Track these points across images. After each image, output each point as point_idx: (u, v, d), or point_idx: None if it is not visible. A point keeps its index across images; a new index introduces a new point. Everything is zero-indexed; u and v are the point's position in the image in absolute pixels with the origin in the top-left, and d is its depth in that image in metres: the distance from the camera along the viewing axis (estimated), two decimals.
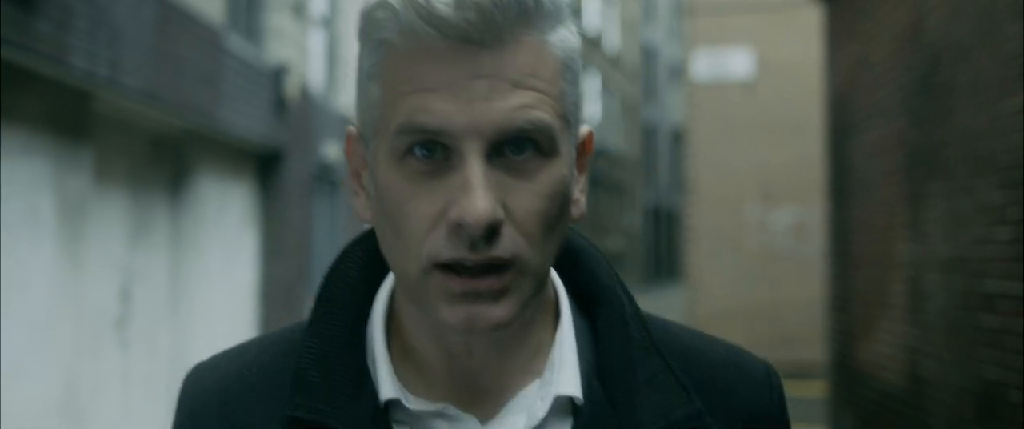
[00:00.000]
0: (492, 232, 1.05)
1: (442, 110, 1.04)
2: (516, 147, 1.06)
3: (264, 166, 9.81)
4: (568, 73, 1.11)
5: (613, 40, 35.36)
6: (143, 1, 6.59)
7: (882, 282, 8.97)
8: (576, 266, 1.24)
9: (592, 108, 32.46)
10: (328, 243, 11.67)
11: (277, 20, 9.66)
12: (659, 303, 28.23)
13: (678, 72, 17.81)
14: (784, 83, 17.87)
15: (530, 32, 1.07)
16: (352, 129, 1.17)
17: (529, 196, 1.07)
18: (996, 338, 6.45)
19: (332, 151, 11.32)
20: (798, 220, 17.46)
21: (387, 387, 1.15)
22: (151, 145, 7.56)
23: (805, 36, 15.44)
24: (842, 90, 10.51)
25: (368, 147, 1.13)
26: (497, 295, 1.07)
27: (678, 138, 35.51)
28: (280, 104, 9.45)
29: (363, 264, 1.22)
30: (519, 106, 1.05)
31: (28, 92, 5.76)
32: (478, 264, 1.05)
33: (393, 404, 1.15)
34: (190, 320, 8.22)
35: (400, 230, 1.08)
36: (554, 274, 1.23)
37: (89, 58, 5.87)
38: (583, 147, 1.20)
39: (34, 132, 5.86)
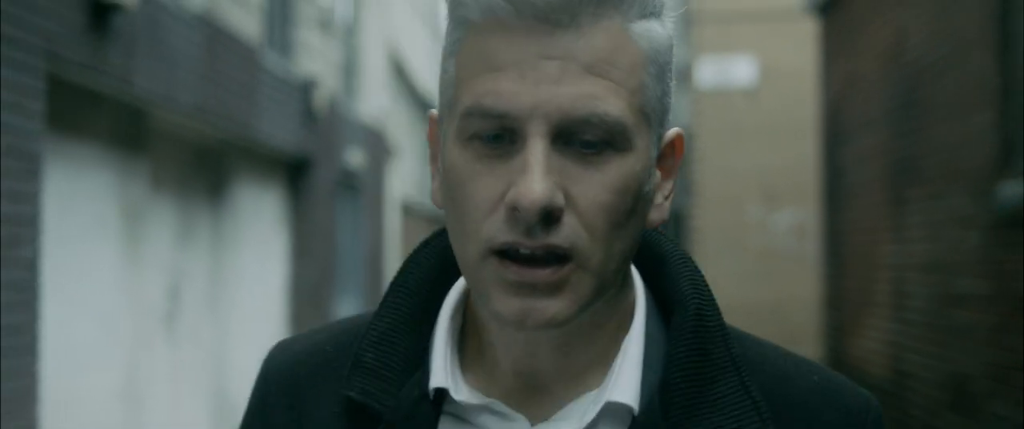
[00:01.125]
0: (549, 218, 1.01)
1: (508, 90, 1.02)
2: (585, 136, 1.02)
3: (294, 173, 10.48)
4: (652, 66, 1.07)
5: None
6: (194, 25, 7.25)
7: (869, 282, 9.63)
8: (659, 272, 1.19)
9: None
10: (351, 245, 12.35)
11: (306, 36, 10.33)
12: None
13: (685, 76, 18.40)
14: (785, 90, 18.46)
15: (611, 16, 1.04)
16: (434, 112, 1.16)
17: (595, 187, 1.03)
18: (966, 334, 7.11)
19: (354, 158, 11.98)
20: (798, 221, 18.06)
21: (438, 376, 1.12)
22: (195, 155, 8.23)
23: (806, 45, 16.03)
24: (835, 100, 11.16)
25: (442, 128, 1.11)
26: (554, 289, 1.03)
27: (687, 138, 35.92)
28: (309, 115, 10.12)
29: (439, 255, 1.20)
30: (588, 94, 1.01)
31: (96, 111, 6.44)
32: (534, 252, 1.02)
33: (445, 395, 1.13)
34: (228, 315, 8.89)
35: (461, 212, 1.06)
36: (638, 281, 1.18)
37: (150, 79, 6.54)
38: (671, 149, 1.15)
39: (100, 147, 6.54)
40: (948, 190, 7.47)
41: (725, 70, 19.43)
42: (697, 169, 19.63)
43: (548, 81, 1.01)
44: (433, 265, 1.20)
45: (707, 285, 1.17)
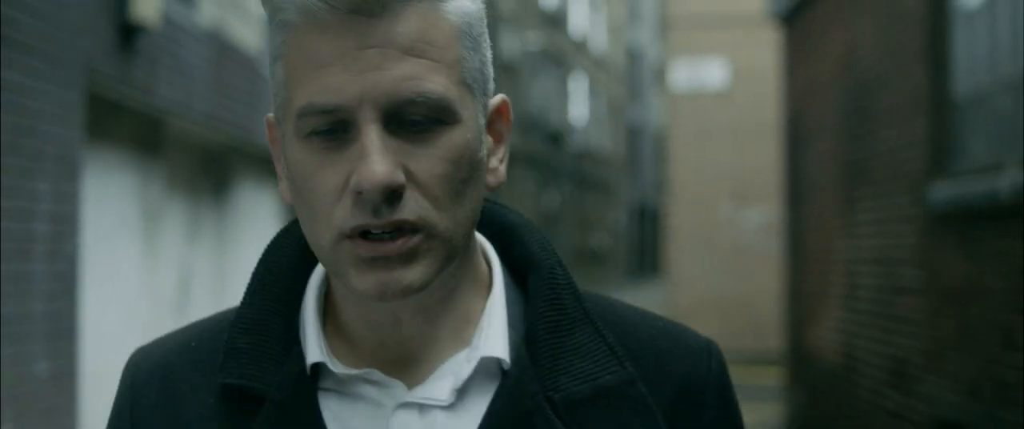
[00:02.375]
0: (393, 196, 1.06)
1: (335, 84, 1.06)
2: (412, 115, 1.07)
3: None
4: (466, 39, 1.12)
5: (600, 43, 36.28)
6: (204, 41, 7.95)
7: (825, 275, 10.38)
8: (510, 240, 1.26)
9: (579, 109, 33.25)
10: None
11: None
12: (643, 297, 29.51)
13: (660, 79, 19.17)
14: (757, 92, 19.14)
15: None
16: (271, 116, 1.20)
17: (430, 160, 1.08)
18: (904, 321, 7.85)
19: None
20: (768, 219, 18.77)
21: (314, 352, 1.17)
22: (202, 158, 8.92)
23: (776, 49, 16.80)
24: (796, 106, 11.89)
25: (280, 129, 1.15)
26: (407, 258, 1.08)
27: (661, 140, 36.57)
28: None
29: (297, 243, 1.23)
30: (409, 75, 1.06)
31: (121, 120, 7.14)
32: (384, 229, 1.07)
33: (321, 370, 1.17)
34: (231, 305, 9.61)
35: (309, 204, 1.10)
36: (489, 247, 1.25)
37: (168, 90, 7.24)
38: (498, 115, 1.21)
39: (123, 153, 7.24)
40: (891, 190, 8.21)
41: (698, 73, 20.16)
42: (671, 168, 20.36)
43: (371, 69, 1.05)
44: (293, 252, 1.23)
45: (553, 248, 1.26)
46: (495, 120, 1.20)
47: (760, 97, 18.82)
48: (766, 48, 18.68)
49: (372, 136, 1.06)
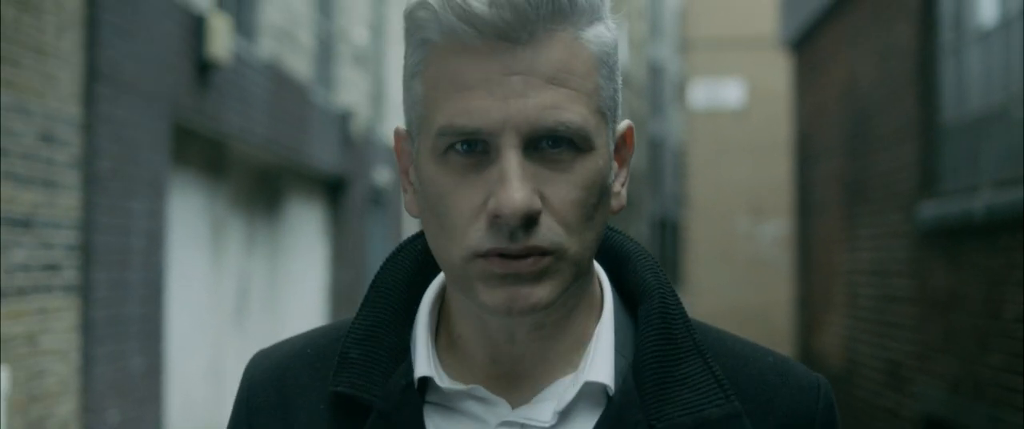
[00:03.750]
0: (530, 222, 1.07)
1: (479, 108, 1.07)
2: (552, 141, 1.08)
3: (333, 191, 12.06)
4: (604, 68, 1.13)
5: (621, 59, 36.87)
6: (263, 72, 8.82)
7: (829, 285, 11.16)
8: (623, 267, 1.25)
9: None
10: (379, 252, 13.92)
11: (344, 71, 11.90)
12: None
13: (680, 97, 19.95)
14: (772, 110, 19.90)
15: (564, 28, 1.09)
16: (401, 128, 1.21)
17: (566, 187, 1.09)
18: (898, 327, 8.63)
19: (381, 177, 13.54)
20: (782, 232, 19.52)
21: (422, 366, 1.18)
22: (258, 178, 9.78)
23: (788, 72, 17.53)
24: (805, 127, 12.67)
25: (414, 144, 1.16)
26: (537, 277, 1.09)
27: (681, 154, 37.09)
28: (346, 140, 11.68)
29: (415, 259, 1.26)
30: (552, 104, 1.07)
31: (193, 146, 8.00)
32: (519, 253, 1.08)
33: (429, 384, 1.18)
34: (281, 312, 10.45)
35: (443, 221, 1.11)
36: (602, 273, 1.25)
37: (233, 117, 8.11)
38: (623, 141, 1.21)
39: (195, 174, 8.11)
40: (886, 208, 9.01)
41: (716, 92, 20.94)
42: (690, 183, 21.15)
43: (514, 95, 1.06)
44: (409, 267, 1.25)
45: (667, 278, 1.25)
46: (620, 145, 1.21)
47: (775, 116, 19.56)
48: (781, 70, 19.43)
49: (513, 162, 1.07)
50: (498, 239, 1.08)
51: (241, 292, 9.30)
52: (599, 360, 1.17)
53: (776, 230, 19.81)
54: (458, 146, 1.09)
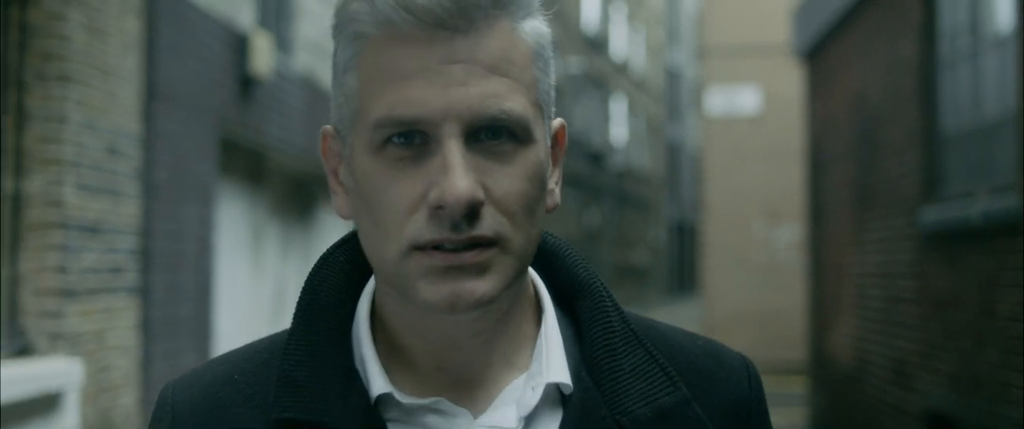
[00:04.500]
0: (473, 213, 1.05)
1: (418, 97, 1.05)
2: (492, 132, 1.07)
3: None
4: (540, 61, 1.13)
5: (639, 65, 36.63)
6: (300, 85, 9.32)
7: (840, 287, 11.59)
8: (553, 264, 1.25)
9: (620, 130, 33.78)
10: None
11: None
12: (681, 312, 30.61)
13: (696, 104, 20.46)
14: (787, 116, 20.22)
15: (502, 19, 1.09)
16: (328, 128, 1.18)
17: (508, 178, 1.08)
18: (903, 326, 9.06)
19: None
20: (797, 237, 19.91)
21: (378, 383, 1.13)
22: (293, 186, 10.28)
23: (802, 81, 17.93)
24: (817, 135, 13.10)
25: (346, 141, 1.13)
26: (479, 270, 1.07)
27: (698, 159, 37.25)
28: None
29: (344, 268, 1.21)
30: (493, 93, 1.06)
31: (236, 156, 8.50)
32: (461, 244, 1.06)
33: (385, 400, 1.14)
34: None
35: (379, 216, 1.08)
36: (532, 271, 1.23)
37: (273, 129, 8.60)
38: (556, 139, 1.20)
39: (238, 183, 8.61)
40: (892, 213, 9.44)
41: (732, 99, 21.34)
42: (706, 188, 21.57)
43: (455, 84, 1.05)
44: (338, 279, 1.20)
45: (597, 271, 1.25)
46: (554, 143, 1.20)
47: (790, 122, 19.90)
48: (795, 78, 19.82)
49: (455, 151, 1.05)
50: (440, 230, 1.06)
51: (277, 295, 9.79)
52: (553, 360, 1.16)
53: (791, 234, 20.21)
54: (396, 138, 1.07)
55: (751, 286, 20.33)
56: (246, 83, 7.88)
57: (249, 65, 7.79)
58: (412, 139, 1.07)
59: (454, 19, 1.06)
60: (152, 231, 6.34)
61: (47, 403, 5.22)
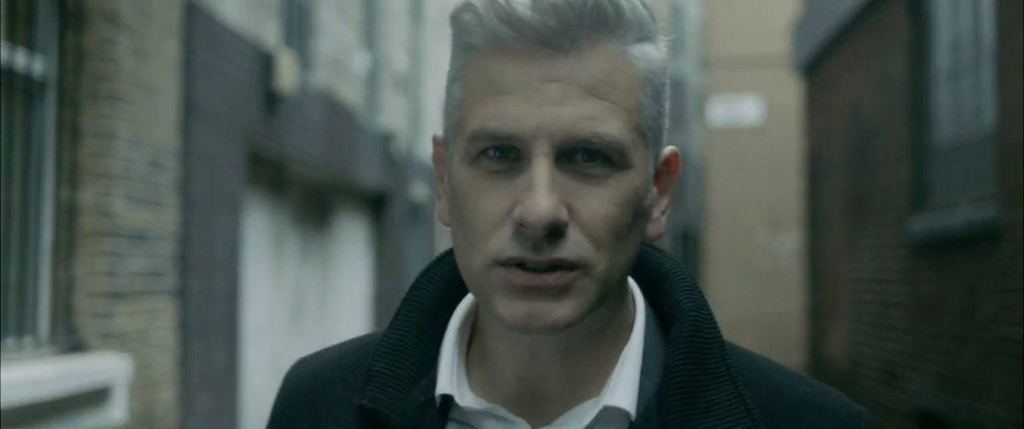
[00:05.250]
0: (555, 233, 1.05)
1: (513, 113, 1.06)
2: (587, 155, 1.06)
3: (376, 206, 13.05)
4: (648, 87, 1.11)
5: None
6: (320, 100, 9.80)
7: (836, 293, 12.05)
8: (659, 287, 1.22)
9: None
10: (417, 263, 14.89)
11: (387, 96, 12.89)
12: None
13: (699, 114, 20.85)
14: (788, 127, 20.67)
15: (609, 40, 1.08)
16: (439, 135, 1.20)
17: (597, 201, 1.06)
18: (893, 329, 9.52)
19: (419, 193, 14.51)
20: (798, 244, 20.35)
21: (444, 383, 1.16)
22: (311, 195, 10.76)
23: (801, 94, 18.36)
24: (814, 146, 13.56)
25: (449, 149, 1.15)
26: (559, 293, 1.06)
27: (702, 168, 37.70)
28: (388, 159, 12.66)
29: (447, 273, 1.25)
30: (588, 115, 1.05)
31: (261, 168, 8.98)
32: (541, 265, 1.05)
33: (452, 401, 1.17)
34: (331, 319, 11.42)
35: (467, 226, 1.09)
36: (638, 293, 1.21)
37: (294, 142, 9.08)
38: (667, 167, 1.18)
39: (262, 193, 9.09)
40: (883, 221, 9.90)
41: (735, 109, 21.80)
42: (709, 197, 22.02)
43: (550, 103, 1.05)
44: (442, 282, 1.25)
45: (706, 300, 1.21)
46: (664, 171, 1.18)
47: (791, 133, 20.33)
48: (796, 88, 20.27)
49: (542, 170, 1.05)
50: (522, 249, 1.06)
51: (297, 300, 10.26)
52: (622, 384, 1.14)
53: (792, 242, 20.63)
54: (490, 152, 1.08)
55: (753, 292, 20.76)
56: (271, 99, 8.36)
57: (274, 82, 8.27)
58: (506, 153, 1.08)
59: (557, 38, 1.07)
60: (189, 239, 6.82)
61: (98, 396, 5.69)
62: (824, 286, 13.01)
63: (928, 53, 8.90)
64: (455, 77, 1.13)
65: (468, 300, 1.23)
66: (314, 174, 10.33)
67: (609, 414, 1.13)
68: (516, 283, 1.06)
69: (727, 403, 1.14)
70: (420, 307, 1.24)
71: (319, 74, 9.92)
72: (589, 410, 1.14)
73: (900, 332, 9.37)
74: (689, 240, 50.64)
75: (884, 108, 9.91)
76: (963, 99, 8.17)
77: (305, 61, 9.58)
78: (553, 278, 1.06)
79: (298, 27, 9.47)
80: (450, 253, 1.24)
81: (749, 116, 21.60)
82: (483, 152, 1.08)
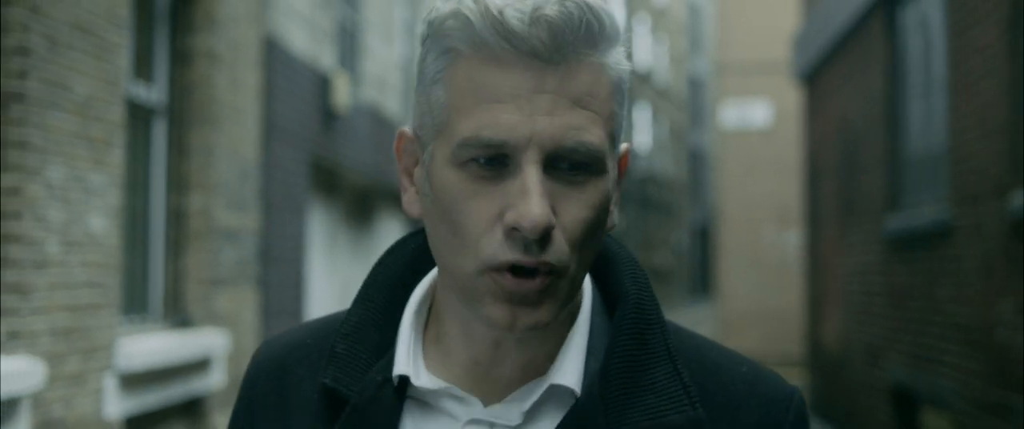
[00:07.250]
0: (545, 237, 1.09)
1: (507, 122, 1.09)
2: (569, 162, 1.10)
3: None
4: (618, 94, 1.15)
5: (663, 74, 37.13)
6: (368, 114, 11.12)
7: (830, 284, 13.25)
8: (606, 271, 1.27)
9: (643, 137, 34.33)
10: None
11: None
12: (700, 313, 31.94)
13: (711, 118, 21.88)
14: (795, 130, 21.65)
15: (592, 54, 1.12)
16: (406, 130, 1.22)
17: (577, 206, 1.11)
18: (873, 316, 10.74)
19: None
20: (803, 240, 21.43)
21: (401, 364, 1.21)
22: (358, 197, 12.07)
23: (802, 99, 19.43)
24: (813, 151, 14.70)
25: (426, 147, 1.16)
26: (539, 298, 1.11)
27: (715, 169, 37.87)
28: None
29: (407, 258, 1.29)
30: (575, 125, 1.09)
31: (319, 175, 10.30)
32: (533, 267, 1.10)
33: (409, 381, 1.21)
34: None
35: (457, 228, 1.12)
36: (587, 279, 1.25)
37: (346, 151, 10.40)
38: (619, 163, 1.21)
39: (318, 196, 10.41)
40: (865, 220, 11.12)
41: (745, 113, 22.84)
42: (721, 196, 23.13)
43: (541, 113, 1.09)
44: (401, 266, 1.29)
45: (648, 282, 1.26)
46: (619, 166, 1.21)
47: (798, 136, 21.34)
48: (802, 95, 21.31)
49: (534, 177, 1.08)
50: (513, 251, 1.10)
51: (347, 288, 11.58)
52: (568, 364, 1.19)
53: (798, 239, 21.57)
54: (479, 158, 1.11)
55: (762, 286, 21.81)
56: (328, 114, 9.67)
57: (331, 100, 9.58)
58: (495, 160, 1.10)
59: (549, 52, 1.09)
60: (268, 236, 8.13)
61: (203, 365, 7.01)
62: (820, 279, 14.19)
63: (902, 71, 10.07)
64: (435, 79, 1.15)
65: (424, 283, 1.28)
66: (361, 179, 11.63)
67: (556, 392, 1.19)
68: (506, 288, 1.11)
69: (666, 381, 1.19)
70: (379, 290, 1.28)
71: (367, 91, 11.22)
72: (536, 388, 1.19)
73: (878, 317, 10.59)
74: (708, 236, 50.20)
75: (867, 118, 11.10)
76: (932, 113, 9.37)
77: (356, 80, 10.88)
78: (536, 283, 1.11)
79: (350, 51, 10.77)
80: (411, 238, 1.32)
81: (759, 119, 22.61)
82: (472, 157, 1.11)
